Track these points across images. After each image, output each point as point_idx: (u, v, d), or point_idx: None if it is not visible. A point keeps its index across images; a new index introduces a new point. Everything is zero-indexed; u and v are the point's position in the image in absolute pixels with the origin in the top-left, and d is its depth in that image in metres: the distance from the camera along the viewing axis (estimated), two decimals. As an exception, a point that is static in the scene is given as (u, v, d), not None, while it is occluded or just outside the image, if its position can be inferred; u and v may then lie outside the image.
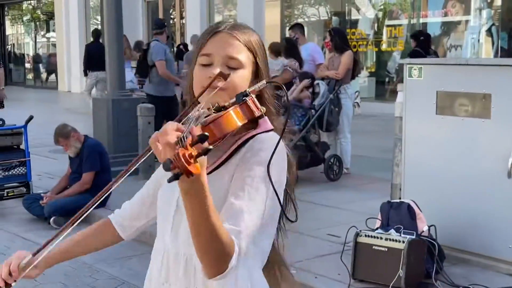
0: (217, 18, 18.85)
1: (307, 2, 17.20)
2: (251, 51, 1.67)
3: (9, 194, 6.98)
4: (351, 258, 4.42)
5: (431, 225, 4.57)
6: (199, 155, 1.30)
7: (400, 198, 5.04)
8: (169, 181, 1.29)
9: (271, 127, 1.63)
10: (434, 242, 4.47)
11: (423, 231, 4.52)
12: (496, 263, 4.56)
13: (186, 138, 1.31)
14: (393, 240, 4.31)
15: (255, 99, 1.53)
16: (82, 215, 1.59)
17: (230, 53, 1.64)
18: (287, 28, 16.96)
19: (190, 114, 1.45)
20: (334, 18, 16.15)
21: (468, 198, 4.71)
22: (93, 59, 13.30)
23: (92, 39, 14.56)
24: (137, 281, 4.84)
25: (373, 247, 4.32)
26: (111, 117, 8.13)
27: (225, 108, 1.49)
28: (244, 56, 1.65)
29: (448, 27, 14.00)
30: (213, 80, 1.58)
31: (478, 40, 13.14)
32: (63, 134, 6.45)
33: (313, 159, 7.60)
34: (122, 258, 5.37)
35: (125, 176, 1.52)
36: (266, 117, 1.61)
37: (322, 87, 7.76)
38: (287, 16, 17.20)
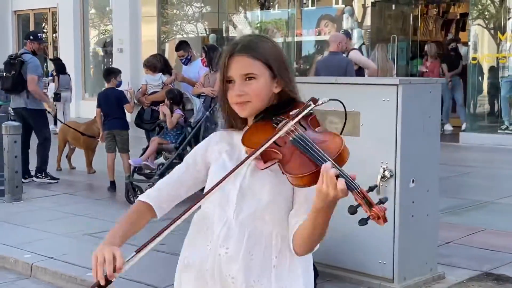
0: (92, 32, 18.38)
1: (185, 19, 17.12)
2: (261, 61, 1.97)
3: None
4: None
5: (304, 243, 4.56)
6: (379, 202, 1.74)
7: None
8: (362, 224, 1.73)
9: None
10: (307, 260, 4.47)
11: (296, 249, 4.51)
12: (368, 279, 4.62)
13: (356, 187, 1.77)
14: (266, 259, 4.26)
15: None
16: (185, 213, 1.87)
17: (244, 72, 1.97)
18: (168, 46, 16.81)
19: (282, 128, 1.92)
20: (211, 35, 16.18)
21: (339, 214, 4.73)
22: None
23: None
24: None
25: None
26: (-27, 136, 7.60)
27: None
28: (256, 68, 1.97)
29: (321, 46, 14.41)
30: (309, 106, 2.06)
31: (350, 59, 13.59)
32: None
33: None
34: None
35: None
36: None
37: (197, 103, 7.68)
38: (164, 32, 17.04)
